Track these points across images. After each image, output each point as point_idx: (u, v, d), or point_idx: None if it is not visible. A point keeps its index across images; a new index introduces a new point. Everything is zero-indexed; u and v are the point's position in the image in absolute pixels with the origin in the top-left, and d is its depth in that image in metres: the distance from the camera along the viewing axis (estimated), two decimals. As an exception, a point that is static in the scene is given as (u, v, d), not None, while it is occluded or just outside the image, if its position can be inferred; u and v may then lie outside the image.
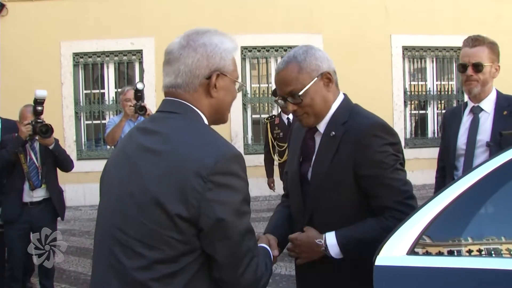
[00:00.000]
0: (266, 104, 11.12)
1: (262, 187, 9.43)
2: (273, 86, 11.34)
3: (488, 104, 3.20)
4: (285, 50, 11.25)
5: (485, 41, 3.16)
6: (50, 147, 5.05)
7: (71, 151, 11.04)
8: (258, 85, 11.57)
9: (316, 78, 2.20)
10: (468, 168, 3.10)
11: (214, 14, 10.68)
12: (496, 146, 3.03)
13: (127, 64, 11.46)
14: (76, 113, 11.22)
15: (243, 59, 11.19)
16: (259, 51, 11.31)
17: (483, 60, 3.12)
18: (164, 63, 1.76)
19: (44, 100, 4.81)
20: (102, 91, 11.44)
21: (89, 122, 11.39)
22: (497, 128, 3.09)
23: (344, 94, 2.36)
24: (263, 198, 10.44)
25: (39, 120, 4.83)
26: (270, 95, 11.19)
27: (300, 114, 2.26)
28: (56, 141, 5.18)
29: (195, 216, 1.52)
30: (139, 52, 11.17)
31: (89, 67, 11.39)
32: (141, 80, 10.94)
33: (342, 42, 10.98)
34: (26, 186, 5.02)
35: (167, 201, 1.52)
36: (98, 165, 10.83)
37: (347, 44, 10.97)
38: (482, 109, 3.23)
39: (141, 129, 1.76)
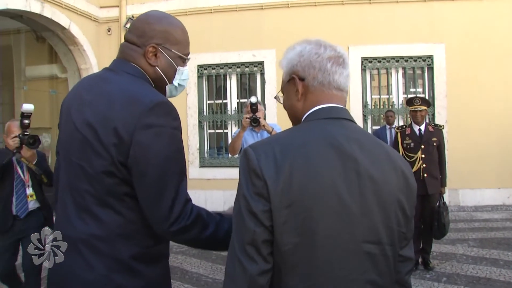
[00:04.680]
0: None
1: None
2: (393, 97, 11.17)
3: None
4: (406, 61, 11.06)
5: None
6: (31, 165, 5.02)
7: (194, 158, 11.55)
8: (378, 96, 11.45)
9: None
10: None
11: (333, 26, 10.75)
12: None
13: (249, 76, 11.79)
14: (200, 122, 11.72)
15: (363, 70, 11.12)
16: (379, 62, 11.18)
17: None
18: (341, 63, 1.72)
19: (31, 113, 4.81)
20: (224, 101, 11.84)
21: (212, 131, 11.82)
22: None
23: None
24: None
25: (26, 133, 4.82)
26: (390, 106, 11.04)
27: None
28: (42, 157, 5.20)
29: None
30: (261, 63, 11.46)
31: (212, 78, 11.86)
32: (263, 91, 11.26)
33: (466, 51, 10.63)
34: (14, 198, 5.04)
35: (405, 202, 1.62)
36: (220, 173, 11.31)
37: (471, 53, 10.61)
38: None
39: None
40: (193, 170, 11.60)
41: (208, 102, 11.94)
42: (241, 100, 11.49)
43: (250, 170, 1.50)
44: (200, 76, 11.77)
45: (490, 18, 10.69)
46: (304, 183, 1.48)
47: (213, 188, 11.09)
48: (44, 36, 11.22)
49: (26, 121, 4.79)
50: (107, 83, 1.94)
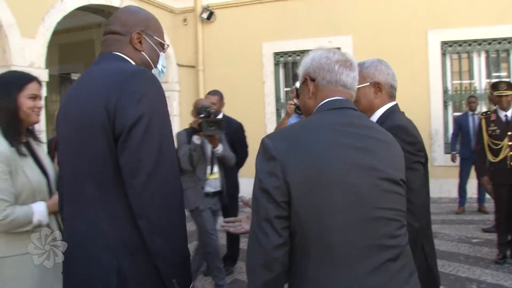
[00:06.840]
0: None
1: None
2: (475, 82, 10.76)
3: None
4: (489, 44, 10.59)
5: None
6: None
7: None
8: (459, 82, 11.04)
9: (367, 84, 2.70)
10: None
11: (411, 11, 10.44)
12: None
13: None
14: (277, 110, 11.77)
15: (443, 54, 10.74)
16: (460, 45, 10.77)
17: None
18: (348, 66, 2.02)
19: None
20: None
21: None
22: None
23: (396, 103, 2.76)
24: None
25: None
26: (472, 91, 10.64)
27: None
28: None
29: None
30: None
31: (289, 65, 11.85)
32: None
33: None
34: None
35: (401, 170, 1.92)
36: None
37: None
38: None
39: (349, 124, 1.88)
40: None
41: (285, 89, 11.96)
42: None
43: (265, 153, 1.73)
44: (276, 64, 11.79)
45: None
46: (316, 161, 1.70)
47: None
48: (123, 29, 11.54)
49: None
50: (91, 72, 2.08)
